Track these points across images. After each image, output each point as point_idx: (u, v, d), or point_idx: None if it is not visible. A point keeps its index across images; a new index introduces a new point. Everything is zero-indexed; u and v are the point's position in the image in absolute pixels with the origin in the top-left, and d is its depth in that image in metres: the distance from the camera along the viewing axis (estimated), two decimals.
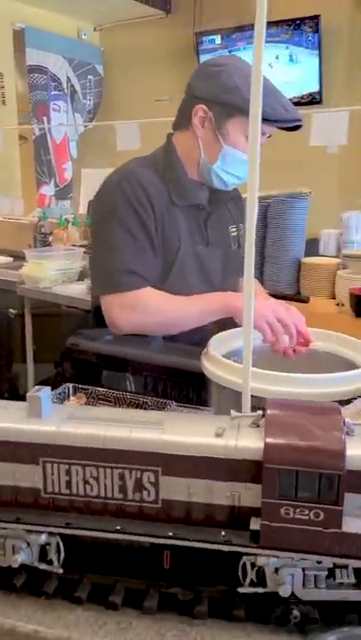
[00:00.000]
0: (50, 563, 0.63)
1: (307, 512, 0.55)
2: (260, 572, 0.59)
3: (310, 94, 4.10)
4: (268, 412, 0.60)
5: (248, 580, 0.59)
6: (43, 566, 0.63)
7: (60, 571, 0.63)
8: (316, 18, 3.97)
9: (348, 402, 1.00)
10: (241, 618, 0.60)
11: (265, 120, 0.96)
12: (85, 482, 0.62)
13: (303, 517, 0.56)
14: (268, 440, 0.56)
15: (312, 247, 2.37)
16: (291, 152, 3.73)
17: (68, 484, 0.62)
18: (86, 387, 1.14)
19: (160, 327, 1.32)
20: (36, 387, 0.65)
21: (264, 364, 1.21)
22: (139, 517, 0.62)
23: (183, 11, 4.51)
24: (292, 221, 2.13)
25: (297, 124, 1.28)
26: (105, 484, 0.62)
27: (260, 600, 0.59)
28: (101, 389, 1.13)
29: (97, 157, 4.20)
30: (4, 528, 0.62)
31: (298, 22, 4.05)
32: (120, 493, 0.62)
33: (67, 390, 1.14)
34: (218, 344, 1.26)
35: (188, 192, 1.35)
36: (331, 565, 0.57)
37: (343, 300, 1.88)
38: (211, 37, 4.43)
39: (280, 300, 1.37)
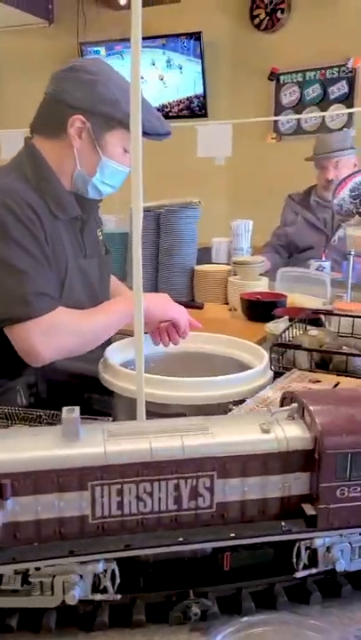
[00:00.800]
0: (104, 591, 0.59)
1: (360, 489, 0.60)
2: (312, 554, 0.62)
3: (188, 98, 4.25)
4: (310, 404, 0.63)
5: (302, 565, 0.61)
6: (98, 597, 0.59)
7: (118, 597, 0.59)
8: (197, 34, 4.11)
9: (241, 402, 1.03)
10: (141, 622, 0.59)
11: (144, 133, 0.97)
12: (139, 499, 0.59)
13: (357, 495, 0.60)
14: (324, 429, 0.60)
15: (204, 255, 2.44)
16: (182, 163, 3.83)
17: (120, 504, 0.59)
18: None
19: (80, 346, 1.26)
20: (67, 407, 0.61)
21: (163, 369, 1.23)
22: (194, 525, 0.61)
23: (66, 21, 4.50)
24: (184, 230, 2.18)
25: (168, 136, 1.33)
26: (159, 498, 0.60)
27: (159, 602, 0.59)
28: None
29: None
30: (52, 565, 0.56)
31: (180, 38, 4.17)
32: (175, 504, 0.60)
33: None
34: (115, 352, 1.26)
35: (68, 205, 1.30)
36: None
37: (235, 305, 1.95)
38: (95, 48, 4.44)
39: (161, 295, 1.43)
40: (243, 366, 1.25)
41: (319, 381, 1.12)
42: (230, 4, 4.13)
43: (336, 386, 1.10)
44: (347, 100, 3.90)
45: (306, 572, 0.62)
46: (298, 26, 3.97)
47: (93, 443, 0.59)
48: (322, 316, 1.56)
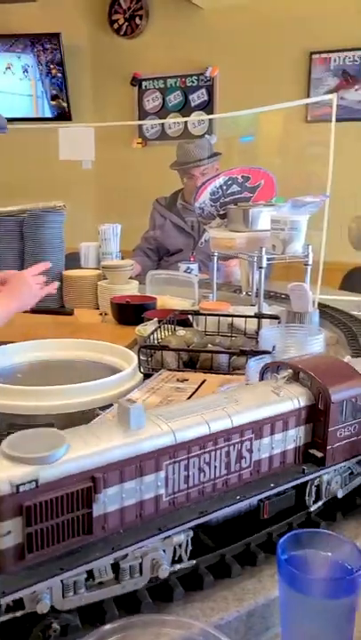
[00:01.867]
0: (180, 561, 0.64)
1: (350, 428, 0.75)
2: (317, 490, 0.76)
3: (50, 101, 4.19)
4: (306, 368, 0.76)
5: (313, 498, 0.75)
6: (178, 567, 0.64)
7: (193, 562, 0.65)
8: (56, 35, 4.05)
9: (109, 406, 1.03)
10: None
11: None
12: (200, 470, 0.66)
13: (348, 434, 0.75)
14: (326, 385, 0.73)
15: (73, 260, 2.40)
16: (47, 169, 3.75)
17: (186, 478, 0.65)
18: None
19: None
20: (127, 399, 0.67)
21: (31, 380, 1.19)
22: (238, 485, 0.69)
23: None
24: (49, 235, 2.13)
25: (4, 131, 1.33)
26: (215, 466, 0.67)
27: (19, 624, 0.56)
28: None
29: None
30: (140, 547, 0.60)
31: (38, 39, 4.08)
32: (225, 469, 0.68)
33: None
34: None
35: None
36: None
37: (106, 309, 1.94)
38: None
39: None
40: (113, 370, 1.24)
41: (187, 379, 1.15)
42: (89, 8, 4.12)
43: (203, 383, 1.14)
44: (207, 107, 4.06)
45: (316, 506, 0.76)
46: (157, 33, 4.05)
47: (159, 426, 0.63)
48: (190, 317, 1.60)
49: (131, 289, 2.10)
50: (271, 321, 1.50)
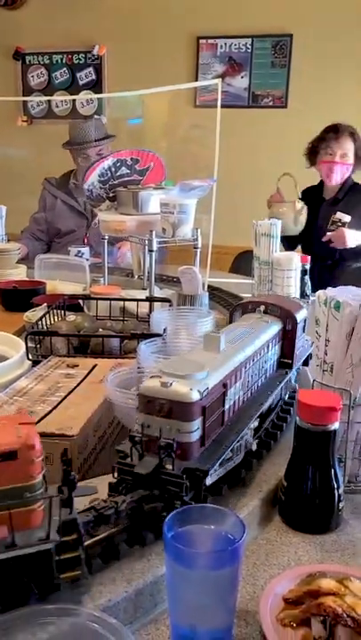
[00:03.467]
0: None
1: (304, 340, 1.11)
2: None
3: None
4: (275, 303, 1.04)
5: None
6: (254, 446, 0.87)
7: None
8: None
9: None
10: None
11: None
12: (249, 376, 0.89)
13: (301, 344, 1.09)
14: (291, 312, 1.03)
15: None
16: None
17: (243, 385, 0.87)
18: None
19: None
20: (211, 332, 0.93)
21: None
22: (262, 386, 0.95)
23: None
24: None
25: None
26: (253, 375, 0.90)
27: None
28: None
29: None
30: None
31: None
32: (257, 376, 0.92)
33: None
34: None
35: None
36: None
37: None
38: None
39: None
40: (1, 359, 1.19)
41: (77, 365, 1.13)
42: None
43: (94, 367, 1.12)
44: (95, 87, 3.97)
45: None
46: (41, 5, 3.88)
47: (230, 350, 0.84)
48: (80, 301, 1.57)
49: (18, 273, 2.02)
50: (163, 304, 1.51)
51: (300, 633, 0.61)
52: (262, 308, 1.03)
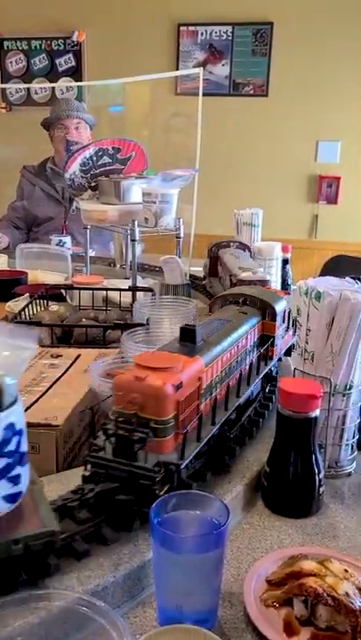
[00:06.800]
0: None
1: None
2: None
3: None
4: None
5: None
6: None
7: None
8: None
9: None
10: None
11: None
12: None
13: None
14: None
15: None
16: None
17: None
18: None
19: None
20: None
21: None
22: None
23: None
24: None
25: None
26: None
27: None
28: None
29: None
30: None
31: None
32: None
33: None
34: None
35: None
36: None
37: None
38: None
39: None
40: None
41: (61, 355, 1.13)
42: None
43: (78, 357, 1.13)
44: (75, 74, 3.92)
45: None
46: None
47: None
48: (63, 291, 1.57)
49: (0, 263, 2.00)
50: (145, 293, 1.51)
51: (282, 613, 0.63)
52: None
